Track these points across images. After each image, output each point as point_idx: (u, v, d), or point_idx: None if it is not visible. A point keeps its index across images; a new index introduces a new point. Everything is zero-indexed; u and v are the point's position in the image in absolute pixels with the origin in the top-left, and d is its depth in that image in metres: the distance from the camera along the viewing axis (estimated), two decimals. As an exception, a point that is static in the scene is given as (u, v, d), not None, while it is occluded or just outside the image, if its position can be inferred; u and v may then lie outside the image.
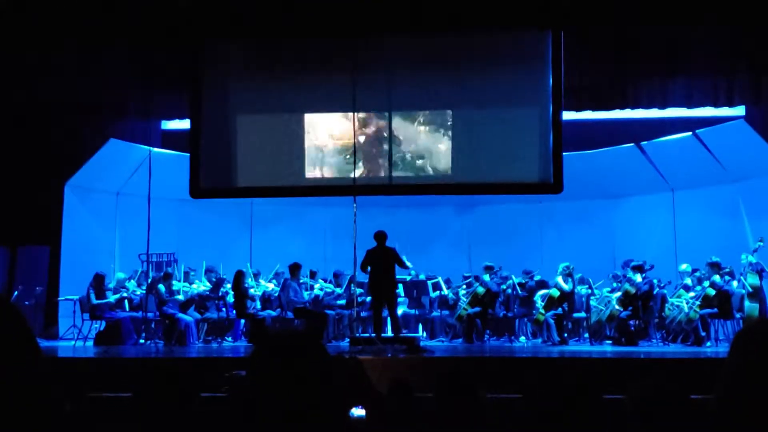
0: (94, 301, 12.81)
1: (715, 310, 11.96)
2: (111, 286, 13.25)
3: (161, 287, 12.94)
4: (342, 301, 13.82)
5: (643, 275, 12.56)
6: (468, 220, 16.79)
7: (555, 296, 12.95)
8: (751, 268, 11.74)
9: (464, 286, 13.93)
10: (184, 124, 14.13)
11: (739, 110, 13.79)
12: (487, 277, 13.39)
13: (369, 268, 11.77)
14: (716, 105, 13.22)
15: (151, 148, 14.44)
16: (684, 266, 13.06)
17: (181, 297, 13.21)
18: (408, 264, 12.29)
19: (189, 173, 13.07)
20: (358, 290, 13.04)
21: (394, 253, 11.85)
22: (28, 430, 1.69)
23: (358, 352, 10.24)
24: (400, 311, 12.98)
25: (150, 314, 12.98)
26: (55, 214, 14.23)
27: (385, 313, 11.91)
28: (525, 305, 13.49)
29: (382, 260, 11.74)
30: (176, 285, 13.39)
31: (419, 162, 12.92)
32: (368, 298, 13.25)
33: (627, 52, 12.56)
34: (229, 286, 13.37)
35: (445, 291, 14.08)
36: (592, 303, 13.02)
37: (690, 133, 13.82)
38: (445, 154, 12.91)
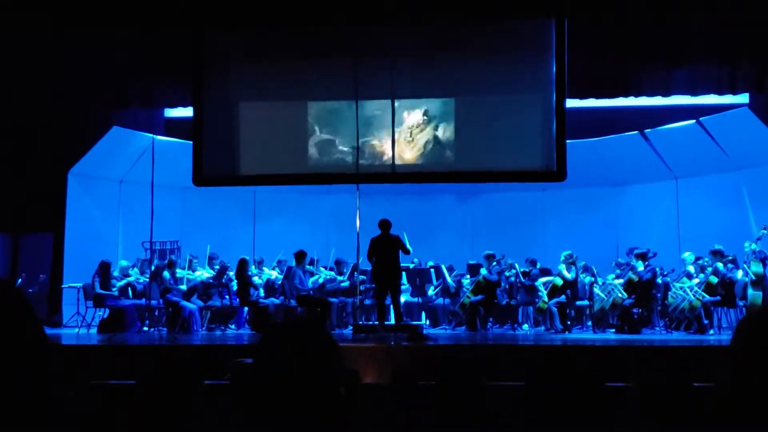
0: (98, 290, 12.83)
1: (718, 297, 11.97)
2: (115, 273, 13.27)
3: (166, 274, 12.95)
4: (345, 283, 13.80)
5: (646, 263, 12.55)
6: (471, 208, 16.78)
7: (558, 284, 12.94)
8: (754, 256, 11.74)
9: (468, 275, 13.93)
10: (188, 111, 14.12)
11: (743, 98, 13.75)
12: (484, 270, 13.36)
13: (374, 257, 11.77)
14: (720, 93, 13.16)
15: (155, 136, 14.42)
16: (687, 254, 13.05)
17: (183, 285, 13.24)
18: (409, 248, 12.20)
19: (192, 161, 13.08)
20: (361, 278, 13.05)
21: (399, 240, 11.82)
22: (32, 415, 1.70)
23: (361, 340, 10.27)
24: (402, 299, 12.99)
25: (153, 302, 12.99)
26: (58, 201, 14.25)
27: (388, 301, 11.91)
28: (528, 293, 13.49)
29: (386, 248, 11.72)
30: (179, 273, 13.41)
31: (422, 150, 12.90)
32: (371, 286, 13.26)
33: (630, 39, 12.50)
34: (232, 273, 13.39)
35: (449, 279, 14.06)
36: (596, 291, 13.02)
37: (694, 120, 13.80)
38: (448, 142, 12.89)
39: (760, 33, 12.20)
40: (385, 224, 11.85)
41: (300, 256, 13.26)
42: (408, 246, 12.10)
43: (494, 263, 13.40)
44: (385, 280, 11.75)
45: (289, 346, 2.00)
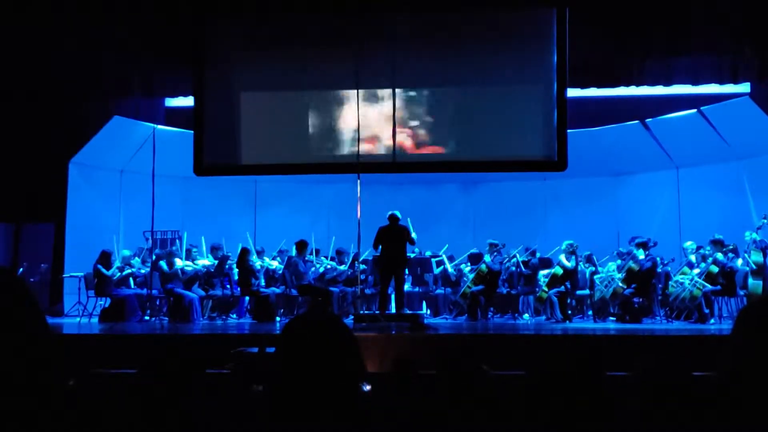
0: (107, 273, 12.81)
1: (719, 287, 11.97)
2: (116, 263, 13.27)
3: (163, 264, 12.91)
4: (345, 268, 13.80)
5: (647, 252, 12.55)
6: (472, 197, 16.78)
7: (558, 274, 12.95)
8: (755, 245, 11.74)
9: (468, 264, 13.92)
10: (188, 101, 14.10)
11: (744, 87, 13.73)
12: (488, 258, 13.36)
13: (380, 246, 11.85)
14: (721, 82, 13.15)
15: (155, 126, 14.42)
16: (689, 243, 13.05)
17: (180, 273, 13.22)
18: (414, 236, 12.20)
19: (193, 150, 13.07)
20: (362, 267, 13.06)
21: (407, 231, 11.92)
22: (33, 404, 1.70)
23: (362, 329, 10.28)
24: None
25: (155, 291, 13.00)
26: (59, 191, 14.25)
27: (390, 290, 11.95)
28: (528, 283, 13.50)
29: (394, 239, 11.80)
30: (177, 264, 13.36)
31: (423, 139, 12.89)
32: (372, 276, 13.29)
33: (632, 28, 12.48)
34: (233, 263, 13.39)
35: (449, 267, 14.06)
36: (596, 280, 13.03)
37: (695, 110, 13.77)
38: (449, 131, 12.88)
39: (761, 22, 12.16)
40: (393, 218, 11.98)
41: (301, 245, 13.27)
42: (413, 235, 12.14)
43: (495, 252, 13.40)
44: (391, 269, 11.82)
45: (312, 340, 2.01)
